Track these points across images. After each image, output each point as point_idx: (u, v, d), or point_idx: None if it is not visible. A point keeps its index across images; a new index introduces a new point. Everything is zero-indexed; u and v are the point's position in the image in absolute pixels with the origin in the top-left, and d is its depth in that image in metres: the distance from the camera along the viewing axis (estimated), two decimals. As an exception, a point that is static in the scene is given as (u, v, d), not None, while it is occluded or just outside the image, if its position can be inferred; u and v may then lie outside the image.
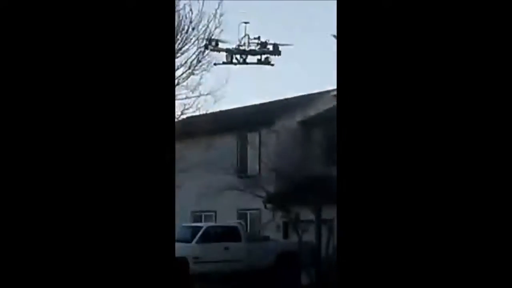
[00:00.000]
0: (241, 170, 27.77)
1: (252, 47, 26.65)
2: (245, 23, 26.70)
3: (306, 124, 27.72)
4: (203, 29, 23.47)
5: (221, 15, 25.13)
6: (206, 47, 24.22)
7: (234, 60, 26.69)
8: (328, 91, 29.36)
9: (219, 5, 24.59)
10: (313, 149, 25.92)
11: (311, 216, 23.19)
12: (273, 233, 25.55)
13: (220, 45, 25.67)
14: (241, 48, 26.26)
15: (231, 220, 25.46)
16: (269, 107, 30.11)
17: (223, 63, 26.45)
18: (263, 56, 26.79)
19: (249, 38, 26.04)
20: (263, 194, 25.22)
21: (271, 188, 25.55)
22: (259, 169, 27.33)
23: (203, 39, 23.62)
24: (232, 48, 26.29)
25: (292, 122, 27.86)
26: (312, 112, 28.25)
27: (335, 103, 28.20)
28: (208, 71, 23.96)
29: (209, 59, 24.08)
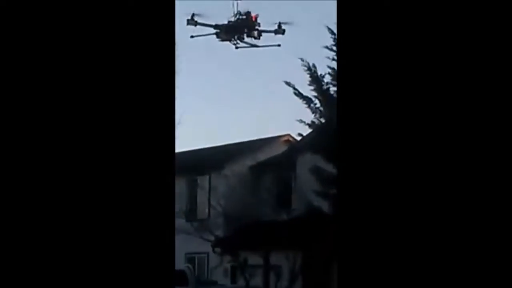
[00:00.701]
0: (190, 213, 27.63)
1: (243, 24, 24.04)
2: None
3: (257, 169, 27.77)
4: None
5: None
6: (188, 22, 23.23)
7: (234, 41, 24.19)
8: (279, 136, 29.56)
9: None
10: (263, 194, 25.94)
11: (259, 261, 23.12)
12: (221, 278, 25.39)
13: (206, 21, 23.60)
14: (230, 23, 23.68)
15: (179, 264, 25.26)
16: (219, 151, 30.12)
17: (218, 39, 24.04)
18: (255, 33, 23.84)
19: (240, 14, 24.33)
20: (212, 238, 25.12)
21: (219, 232, 25.48)
22: (209, 212, 27.24)
23: None
24: (222, 24, 23.73)
25: (242, 166, 27.89)
26: (262, 157, 28.33)
27: (285, 148, 28.40)
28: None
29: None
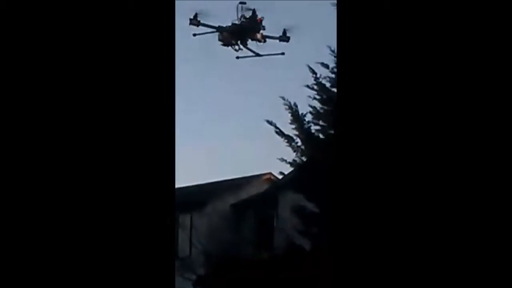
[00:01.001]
0: (172, 252, 27.46)
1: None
2: (242, 3, 22.66)
3: (238, 207, 27.74)
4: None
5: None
6: (190, 22, 22.64)
7: (236, 47, 23.44)
8: (261, 175, 29.56)
9: None
10: (245, 232, 25.91)
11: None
12: (202, 317, 25.22)
13: (210, 22, 22.27)
14: (234, 25, 22.40)
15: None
16: (201, 189, 30.06)
17: (221, 44, 23.37)
18: (258, 35, 22.30)
19: (244, 18, 23.51)
20: (193, 276, 24.99)
21: (201, 271, 25.35)
22: (190, 251, 27.13)
23: None
24: (225, 26, 22.42)
25: (224, 204, 27.83)
26: (244, 195, 28.30)
27: (267, 186, 28.40)
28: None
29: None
